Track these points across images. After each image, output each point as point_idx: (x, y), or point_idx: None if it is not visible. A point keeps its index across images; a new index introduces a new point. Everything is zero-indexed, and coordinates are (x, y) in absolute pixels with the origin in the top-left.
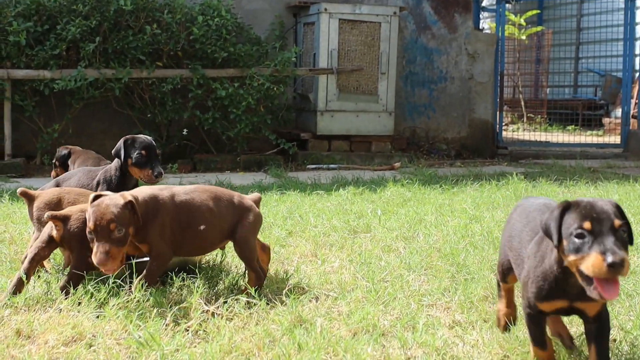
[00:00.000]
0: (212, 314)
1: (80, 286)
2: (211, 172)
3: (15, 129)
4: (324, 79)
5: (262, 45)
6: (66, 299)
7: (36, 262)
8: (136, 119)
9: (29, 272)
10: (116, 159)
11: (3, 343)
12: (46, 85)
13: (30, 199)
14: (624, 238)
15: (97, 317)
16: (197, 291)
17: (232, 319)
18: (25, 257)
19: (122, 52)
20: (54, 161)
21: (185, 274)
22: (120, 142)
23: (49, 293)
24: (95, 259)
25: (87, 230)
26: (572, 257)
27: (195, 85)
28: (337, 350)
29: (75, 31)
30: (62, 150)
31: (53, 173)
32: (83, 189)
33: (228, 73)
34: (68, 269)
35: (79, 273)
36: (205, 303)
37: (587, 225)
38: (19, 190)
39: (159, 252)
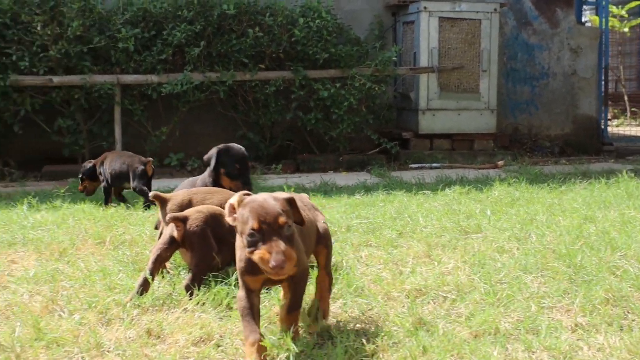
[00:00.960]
0: (334, 316)
1: (203, 287)
2: (314, 172)
3: (125, 132)
4: (425, 78)
5: (362, 45)
6: (191, 299)
7: (159, 263)
8: (240, 121)
9: (153, 273)
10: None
11: (136, 342)
12: (154, 89)
13: (163, 201)
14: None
15: (221, 318)
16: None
17: (351, 321)
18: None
19: (225, 55)
20: (80, 176)
21: None
22: (214, 151)
23: (173, 293)
24: (271, 261)
25: (249, 231)
26: None
27: (298, 86)
28: (462, 352)
29: (181, 36)
30: (87, 165)
31: (80, 187)
32: (211, 188)
33: (329, 74)
34: (190, 269)
35: (202, 273)
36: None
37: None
38: (151, 193)
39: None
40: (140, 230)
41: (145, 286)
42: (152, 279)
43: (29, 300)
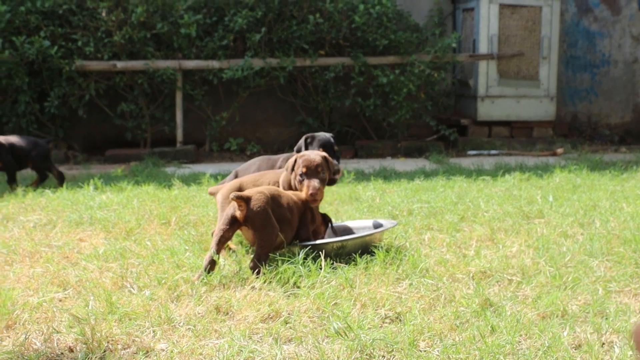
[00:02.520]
0: (399, 296)
1: (269, 265)
2: (372, 158)
3: (186, 117)
4: (484, 65)
5: (421, 32)
6: (257, 277)
7: (222, 243)
8: (299, 107)
9: (218, 252)
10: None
11: (205, 318)
12: (215, 74)
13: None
14: None
15: (288, 296)
16: (382, 273)
17: (418, 300)
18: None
19: (286, 41)
20: None
21: (368, 255)
22: (302, 140)
23: (240, 272)
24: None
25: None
26: None
27: (357, 72)
28: (531, 332)
29: (242, 22)
30: None
31: None
32: (259, 173)
33: (389, 60)
34: (254, 248)
35: (267, 251)
36: (389, 284)
37: None
38: (209, 190)
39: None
40: (204, 211)
41: (212, 265)
42: (218, 258)
43: (99, 277)
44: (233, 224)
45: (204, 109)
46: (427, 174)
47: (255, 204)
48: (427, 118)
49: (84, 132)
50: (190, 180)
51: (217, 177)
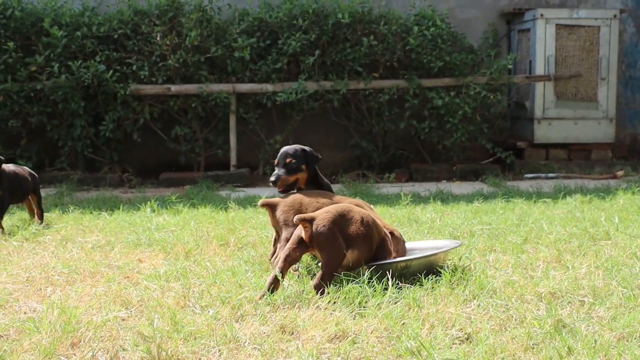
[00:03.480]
0: (468, 316)
1: (334, 285)
2: (428, 182)
3: (239, 141)
4: (540, 86)
5: (476, 53)
6: (321, 297)
7: (289, 263)
8: (353, 130)
9: (283, 272)
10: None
11: (271, 338)
12: (268, 98)
13: (272, 207)
14: None
15: (354, 317)
16: (449, 293)
17: (488, 321)
18: (274, 257)
19: (339, 64)
20: None
21: (434, 276)
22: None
23: (303, 292)
24: None
25: None
26: None
27: (412, 95)
28: (610, 354)
29: (296, 45)
30: None
31: None
32: (321, 191)
33: (444, 82)
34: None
35: (331, 272)
36: (457, 305)
37: None
38: (260, 201)
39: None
40: (262, 232)
41: (275, 285)
42: (282, 278)
43: (161, 296)
44: (300, 244)
45: (257, 132)
46: (486, 197)
47: (319, 223)
48: (483, 140)
49: (138, 156)
50: (246, 202)
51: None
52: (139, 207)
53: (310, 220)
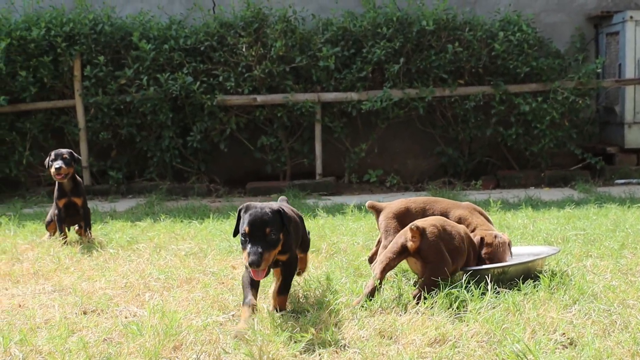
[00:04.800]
0: (571, 321)
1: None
2: (515, 188)
3: (324, 149)
4: (631, 90)
5: (563, 58)
6: (417, 304)
7: (386, 270)
8: (438, 137)
9: (380, 279)
10: None
11: (371, 342)
12: (353, 106)
13: (378, 210)
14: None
15: (452, 322)
16: (549, 298)
17: (591, 325)
18: (371, 261)
19: (424, 71)
20: None
21: (532, 280)
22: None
23: (400, 297)
24: None
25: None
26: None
27: (498, 101)
28: None
29: (380, 53)
30: None
31: None
32: (428, 198)
33: (530, 88)
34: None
35: (433, 285)
36: (558, 310)
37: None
38: (367, 203)
39: None
40: (353, 239)
41: (373, 290)
42: (380, 284)
43: (257, 302)
44: (402, 253)
45: (342, 141)
46: (577, 203)
47: (430, 236)
48: (571, 146)
49: (224, 166)
50: (334, 210)
51: (361, 207)
52: (228, 215)
53: (422, 231)
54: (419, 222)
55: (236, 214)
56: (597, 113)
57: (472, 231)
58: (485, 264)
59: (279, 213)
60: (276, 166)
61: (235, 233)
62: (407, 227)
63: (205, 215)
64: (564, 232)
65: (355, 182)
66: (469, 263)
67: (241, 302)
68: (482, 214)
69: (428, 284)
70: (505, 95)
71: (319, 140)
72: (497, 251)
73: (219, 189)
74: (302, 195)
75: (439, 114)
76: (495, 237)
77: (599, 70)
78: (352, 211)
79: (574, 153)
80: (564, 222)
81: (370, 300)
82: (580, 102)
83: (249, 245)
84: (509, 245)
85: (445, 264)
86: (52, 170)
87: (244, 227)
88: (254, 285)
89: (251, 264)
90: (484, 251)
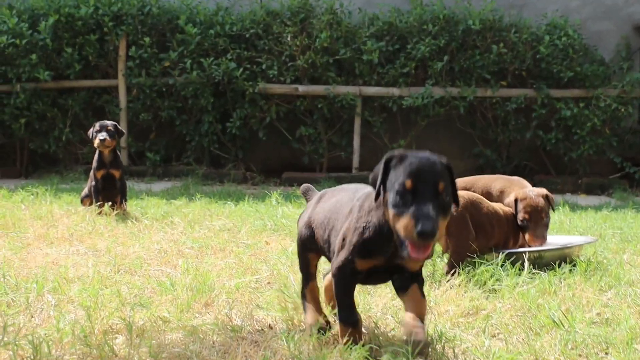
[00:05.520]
0: (606, 302)
1: (466, 267)
2: (552, 193)
3: (362, 144)
4: None
5: (607, 66)
6: (452, 277)
7: None
8: (477, 138)
9: None
10: None
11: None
12: (394, 102)
13: None
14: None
15: (487, 297)
16: (584, 281)
17: (628, 307)
18: None
19: (467, 70)
20: None
21: (568, 265)
22: None
23: (433, 274)
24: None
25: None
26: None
27: (540, 104)
28: None
29: (425, 50)
30: None
31: None
32: (473, 177)
33: (573, 93)
34: (448, 254)
35: (460, 259)
36: (594, 292)
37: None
38: None
39: None
40: None
41: None
42: None
43: (288, 271)
44: None
45: (381, 136)
46: (614, 207)
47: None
48: (611, 154)
49: (261, 155)
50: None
51: None
52: (264, 199)
53: None
54: None
55: (275, 198)
56: (639, 123)
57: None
58: (525, 244)
59: (449, 168)
60: (313, 158)
61: (377, 195)
62: None
63: (240, 199)
64: (601, 229)
65: None
66: (507, 245)
67: (337, 319)
68: (523, 185)
69: (455, 258)
70: (547, 99)
71: (358, 134)
72: (534, 205)
73: (254, 177)
74: None
75: (479, 114)
76: (530, 192)
77: None
78: None
79: (613, 161)
80: (600, 221)
81: None
82: (622, 110)
83: (413, 207)
84: (549, 198)
85: (468, 235)
86: (97, 141)
87: (403, 180)
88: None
89: (421, 234)
90: (520, 208)
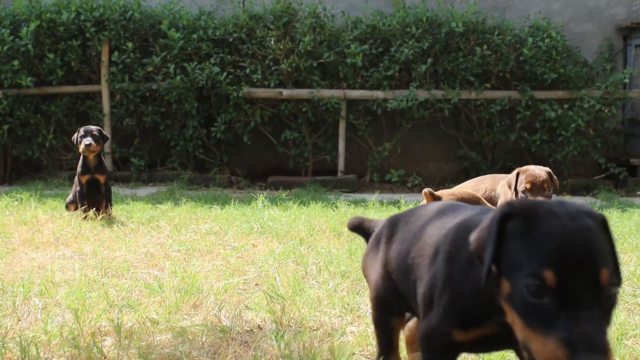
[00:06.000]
0: None
1: None
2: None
3: (347, 147)
4: None
5: (591, 67)
6: None
7: None
8: (461, 140)
9: None
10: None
11: None
12: (378, 105)
13: (435, 198)
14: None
15: None
16: None
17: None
18: None
19: (451, 73)
20: None
21: None
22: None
23: None
24: None
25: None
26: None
27: (524, 106)
28: None
29: (409, 53)
30: None
31: None
32: (476, 181)
33: (557, 95)
34: None
35: None
36: None
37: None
38: (425, 190)
39: None
40: None
41: None
42: None
43: (276, 272)
44: None
45: (366, 139)
46: (599, 207)
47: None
48: (595, 155)
49: (246, 159)
50: (356, 204)
51: (383, 202)
52: (249, 202)
53: (438, 199)
54: (439, 193)
55: (261, 200)
56: (623, 124)
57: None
58: None
59: (606, 228)
60: (298, 161)
61: (488, 275)
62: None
63: (226, 202)
64: None
65: (377, 181)
66: None
67: None
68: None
69: None
70: (532, 101)
71: (343, 137)
72: (536, 175)
73: (240, 181)
74: (323, 191)
75: (464, 116)
76: (533, 166)
77: (627, 81)
78: (373, 204)
79: (597, 163)
80: None
81: None
82: (606, 111)
83: (564, 321)
84: (552, 176)
85: None
86: (82, 146)
87: (540, 269)
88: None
89: None
90: (522, 180)
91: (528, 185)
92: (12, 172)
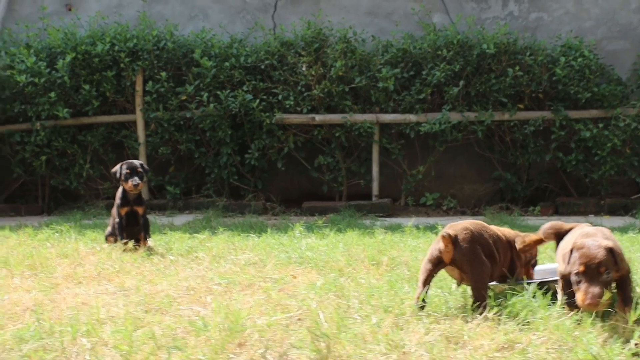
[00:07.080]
0: None
1: (498, 299)
2: (574, 215)
3: (381, 171)
4: None
5: (625, 85)
6: (482, 314)
7: (428, 280)
8: (496, 162)
9: (422, 288)
10: None
11: (437, 346)
12: (411, 128)
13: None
14: None
15: (521, 329)
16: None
17: None
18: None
19: (484, 94)
20: None
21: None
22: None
23: (465, 305)
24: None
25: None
26: None
27: (558, 126)
28: None
29: (440, 76)
30: None
31: None
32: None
33: (591, 114)
34: (469, 288)
35: (482, 291)
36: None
37: None
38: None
39: None
40: (414, 255)
41: (418, 299)
42: (426, 295)
43: (318, 307)
44: (438, 264)
45: (399, 163)
46: (637, 228)
47: (462, 244)
48: (633, 174)
49: (281, 185)
50: (392, 229)
51: (419, 227)
52: (286, 230)
53: (453, 239)
54: (450, 229)
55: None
56: None
57: None
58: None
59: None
60: (332, 186)
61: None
62: (439, 235)
63: (262, 230)
64: (629, 253)
65: (412, 204)
66: (515, 268)
67: None
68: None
69: (476, 294)
70: (566, 121)
71: (377, 161)
72: (589, 260)
73: (275, 207)
74: (357, 216)
75: (498, 138)
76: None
77: None
78: (410, 230)
79: (635, 182)
80: (628, 244)
81: (422, 309)
82: None
83: None
84: (612, 251)
85: (483, 268)
86: (130, 184)
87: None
88: None
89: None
90: (575, 260)
91: (581, 268)
92: (50, 202)
